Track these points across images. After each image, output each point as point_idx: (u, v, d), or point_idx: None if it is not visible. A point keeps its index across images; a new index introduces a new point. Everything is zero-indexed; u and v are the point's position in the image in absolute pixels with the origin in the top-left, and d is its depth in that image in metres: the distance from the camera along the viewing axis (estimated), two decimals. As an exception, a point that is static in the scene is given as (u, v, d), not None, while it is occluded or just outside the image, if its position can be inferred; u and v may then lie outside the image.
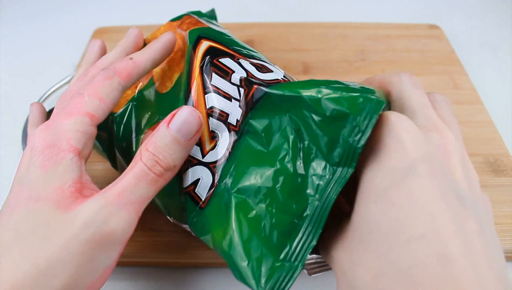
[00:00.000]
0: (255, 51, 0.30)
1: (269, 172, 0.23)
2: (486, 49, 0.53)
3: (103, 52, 0.31)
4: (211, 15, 0.36)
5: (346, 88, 0.21)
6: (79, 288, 0.21)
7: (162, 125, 0.23)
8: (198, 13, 0.34)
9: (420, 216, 0.17)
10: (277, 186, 0.22)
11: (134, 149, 0.29)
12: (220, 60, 0.26)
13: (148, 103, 0.30)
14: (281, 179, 0.23)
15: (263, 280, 0.21)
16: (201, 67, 0.26)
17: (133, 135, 0.29)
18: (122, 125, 0.30)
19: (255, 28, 0.52)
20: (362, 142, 0.20)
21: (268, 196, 0.23)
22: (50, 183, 0.22)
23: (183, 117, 0.23)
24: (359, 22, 0.53)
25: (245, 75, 0.25)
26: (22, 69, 0.50)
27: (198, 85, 0.26)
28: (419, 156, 0.19)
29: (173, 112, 0.24)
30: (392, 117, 0.20)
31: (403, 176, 0.18)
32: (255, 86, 0.24)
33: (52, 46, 0.54)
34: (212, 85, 0.25)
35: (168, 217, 0.28)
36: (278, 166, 0.23)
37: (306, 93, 0.22)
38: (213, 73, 0.26)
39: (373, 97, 0.20)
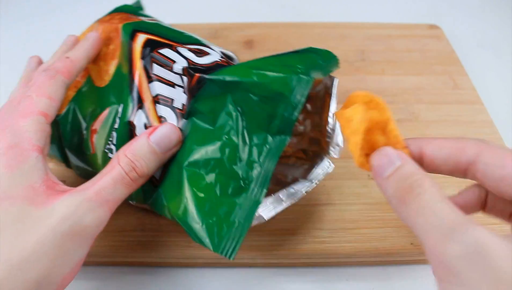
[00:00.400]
0: (189, 34, 0.31)
1: (216, 145, 0.26)
2: (486, 49, 0.53)
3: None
4: (138, 6, 0.37)
5: (282, 66, 0.25)
6: (54, 279, 0.22)
7: (143, 135, 0.26)
8: (126, 7, 0.35)
9: None
10: (224, 157, 0.26)
11: (86, 144, 0.30)
12: (159, 51, 0.28)
13: (89, 99, 0.31)
14: (227, 150, 0.26)
15: (217, 239, 0.24)
16: (142, 59, 0.28)
17: (83, 131, 0.31)
18: (68, 125, 0.31)
19: (255, 28, 0.52)
20: (296, 114, 0.24)
21: (217, 166, 0.26)
22: (18, 182, 0.23)
23: (164, 132, 0.26)
24: (359, 22, 0.53)
25: (186, 64, 0.27)
26: (22, 70, 0.50)
27: (141, 76, 0.28)
28: None
29: (155, 126, 0.26)
30: None
31: None
32: (197, 75, 0.26)
33: (52, 46, 0.54)
34: (154, 74, 0.28)
35: (130, 201, 0.30)
36: (225, 139, 0.26)
37: (244, 77, 0.25)
38: (153, 63, 0.28)
39: (303, 76, 0.24)
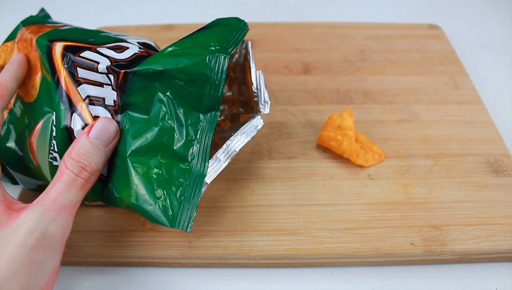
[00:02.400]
0: (104, 33, 0.31)
1: (154, 131, 0.28)
2: (486, 49, 0.53)
3: None
4: (44, 14, 0.37)
5: (198, 47, 0.27)
6: None
7: (82, 135, 0.26)
8: (32, 18, 0.34)
9: None
10: (164, 141, 0.27)
11: (28, 158, 0.31)
12: (81, 54, 0.28)
13: (22, 116, 0.31)
14: (165, 134, 0.27)
15: (171, 215, 0.27)
16: (65, 65, 0.28)
17: (22, 147, 0.31)
18: (6, 145, 0.31)
19: (255, 28, 0.52)
20: (221, 90, 0.27)
21: (159, 150, 0.27)
22: None
23: (101, 125, 0.27)
24: (359, 22, 0.53)
25: (109, 63, 0.27)
26: None
27: (68, 81, 0.28)
28: None
29: (91, 124, 0.27)
30: None
31: None
32: (122, 71, 0.27)
33: None
34: (81, 78, 0.28)
35: (85, 202, 0.32)
36: (161, 125, 0.28)
37: (167, 65, 0.27)
38: (77, 67, 0.28)
39: (220, 54, 0.26)
